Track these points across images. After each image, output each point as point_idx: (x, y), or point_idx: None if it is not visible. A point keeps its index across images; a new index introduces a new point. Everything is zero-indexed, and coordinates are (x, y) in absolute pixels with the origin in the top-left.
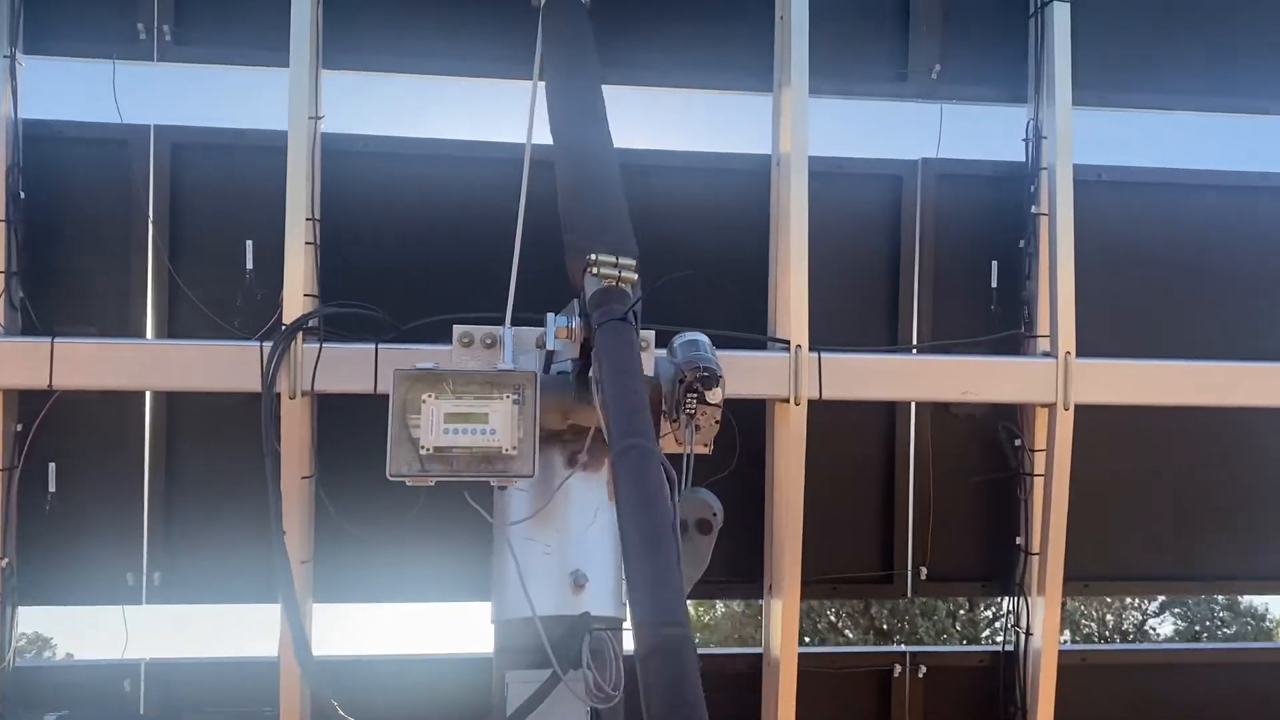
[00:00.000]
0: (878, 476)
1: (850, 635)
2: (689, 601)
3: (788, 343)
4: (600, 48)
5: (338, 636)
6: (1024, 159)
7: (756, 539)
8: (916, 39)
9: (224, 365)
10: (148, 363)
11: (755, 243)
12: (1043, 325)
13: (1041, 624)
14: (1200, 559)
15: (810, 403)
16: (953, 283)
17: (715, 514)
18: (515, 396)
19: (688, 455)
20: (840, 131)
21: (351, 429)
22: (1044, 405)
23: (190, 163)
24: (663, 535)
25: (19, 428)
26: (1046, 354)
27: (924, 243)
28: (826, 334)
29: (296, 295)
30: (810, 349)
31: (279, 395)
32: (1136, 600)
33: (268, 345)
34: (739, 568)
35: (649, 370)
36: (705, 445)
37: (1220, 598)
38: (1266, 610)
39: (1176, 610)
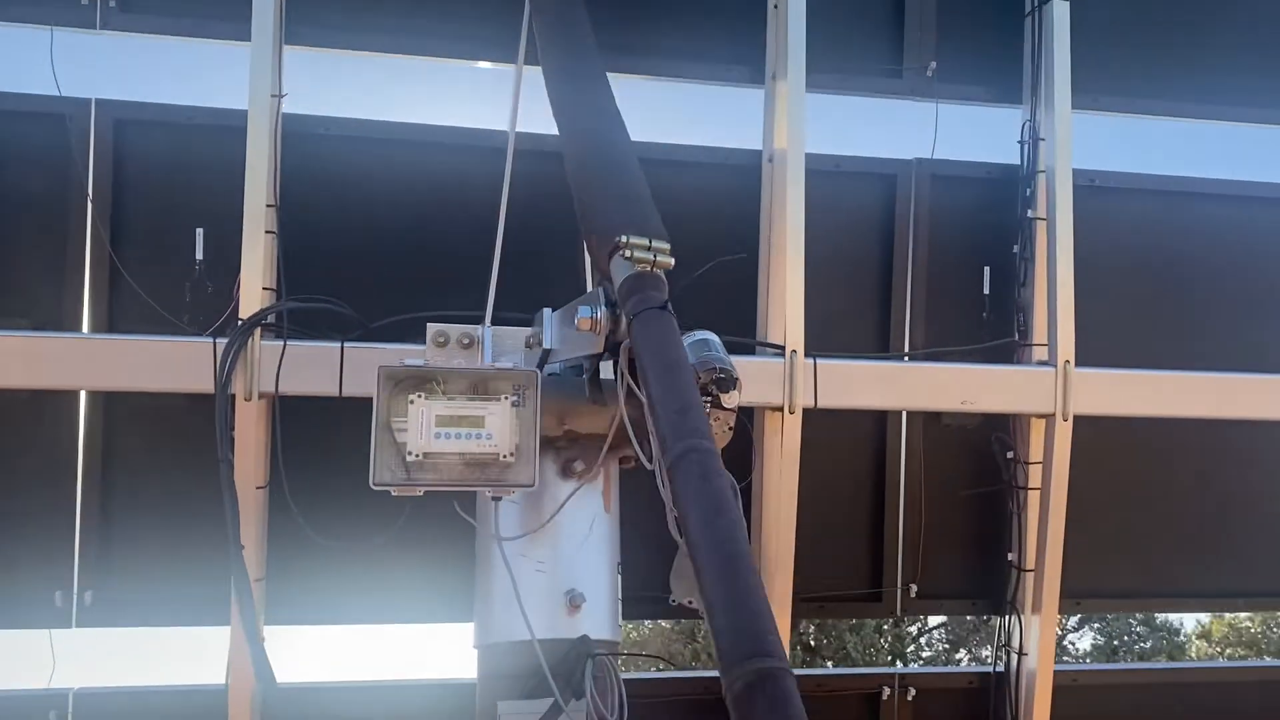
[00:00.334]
0: (867, 489)
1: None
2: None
3: (781, 347)
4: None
5: (295, 662)
6: (1019, 161)
7: None
8: (911, 34)
9: (171, 363)
10: (84, 359)
11: (740, 240)
12: (1039, 333)
13: (1036, 644)
14: (1193, 576)
15: (804, 412)
16: (945, 288)
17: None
18: (514, 398)
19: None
20: (830, 128)
21: (312, 435)
22: (1041, 416)
23: (135, 141)
24: (740, 551)
25: None
26: (1043, 363)
27: (917, 246)
28: (814, 339)
29: (255, 288)
30: (805, 354)
31: (233, 397)
32: (1061, 616)
33: (221, 342)
34: None
35: None
36: None
37: (1138, 614)
38: (1181, 625)
39: (1095, 625)
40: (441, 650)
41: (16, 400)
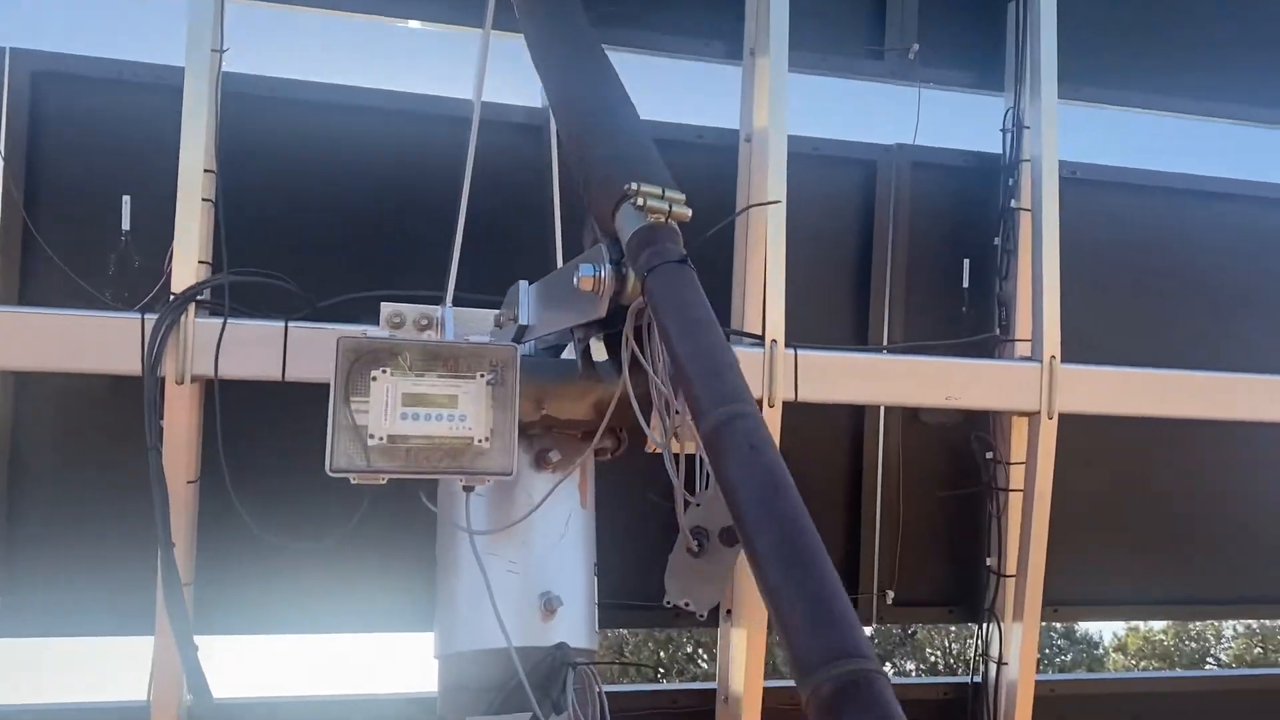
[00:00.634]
0: (842, 489)
1: (705, 665)
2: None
3: (759, 337)
4: None
5: (231, 675)
6: (999, 150)
7: None
8: (893, 14)
9: (92, 341)
10: None
11: (712, 224)
12: (1021, 328)
13: (1018, 653)
14: (1176, 582)
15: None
16: (924, 281)
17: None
18: (491, 376)
19: (700, 456)
20: (805, 109)
21: (251, 423)
22: (1025, 414)
23: (55, 96)
24: (808, 534)
25: None
26: (1026, 359)
27: (897, 235)
28: (789, 330)
29: (189, 260)
30: (785, 345)
31: (163, 380)
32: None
33: (151, 318)
34: None
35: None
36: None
37: (1058, 625)
38: (1101, 638)
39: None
40: (399, 662)
41: None
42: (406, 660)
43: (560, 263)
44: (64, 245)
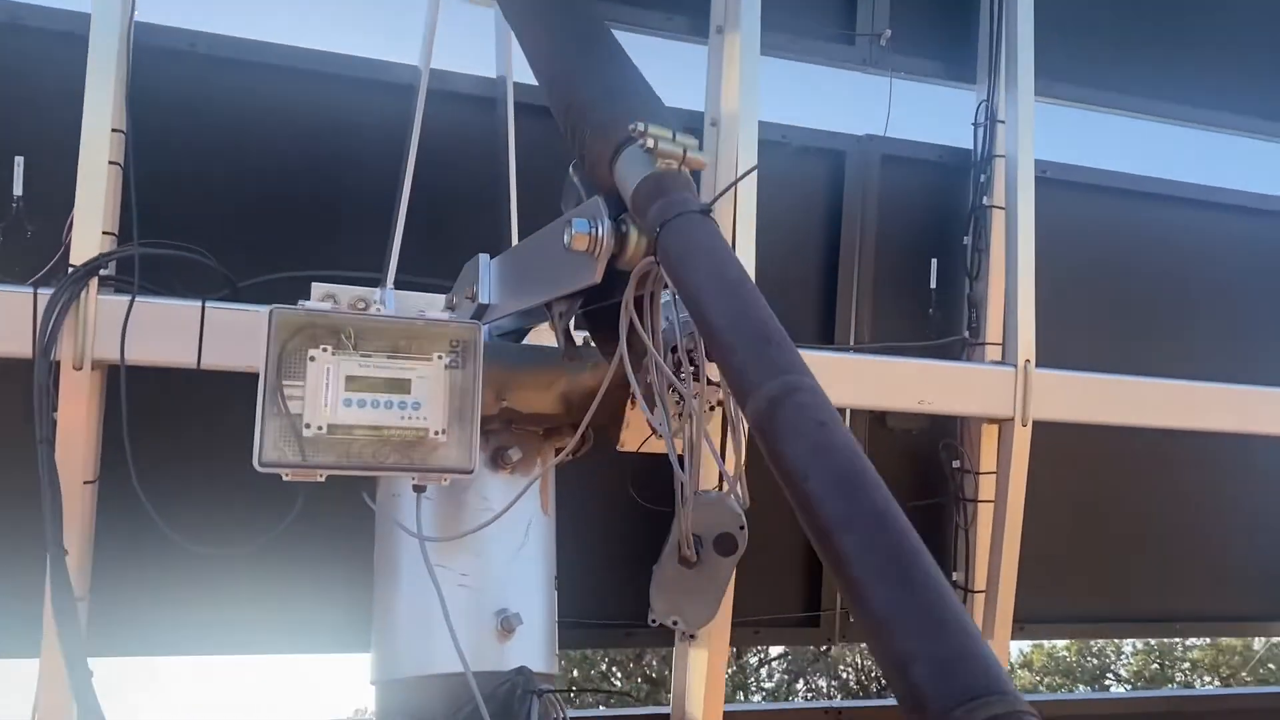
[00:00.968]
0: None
1: (618, 682)
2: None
3: None
4: None
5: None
6: (970, 145)
7: None
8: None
9: None
10: None
11: None
12: (992, 331)
13: None
14: (1151, 599)
15: None
16: (891, 280)
17: (743, 526)
18: (450, 358)
19: (691, 453)
20: (769, 94)
21: (159, 416)
22: (997, 420)
23: None
24: (910, 537)
25: None
26: (997, 363)
27: (865, 231)
28: None
29: (92, 230)
30: None
31: (57, 364)
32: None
33: (45, 294)
34: (642, 610)
35: None
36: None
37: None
38: (1011, 654)
39: None
40: (331, 688)
41: None
42: (340, 686)
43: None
44: None
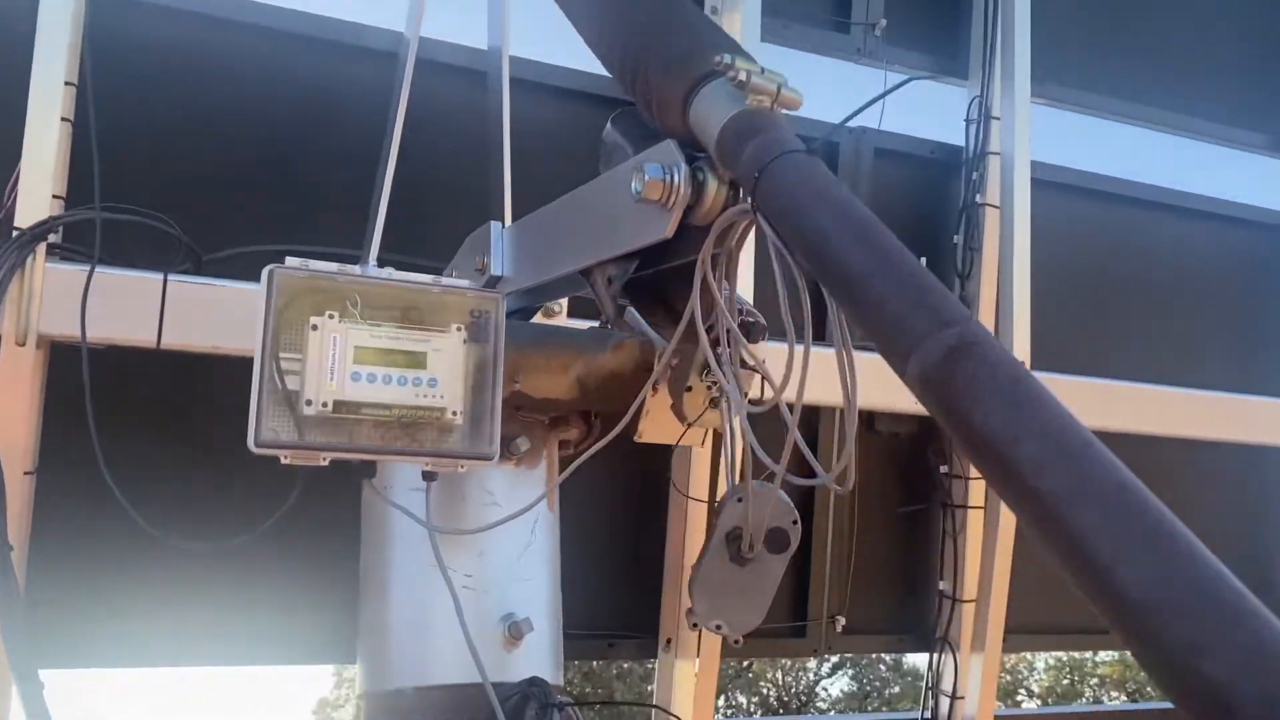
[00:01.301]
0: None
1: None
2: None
3: None
4: None
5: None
6: (961, 142)
7: (648, 580)
8: None
9: None
10: None
11: None
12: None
13: (978, 686)
14: None
15: None
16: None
17: (796, 521)
18: (470, 330)
19: (728, 442)
20: None
21: (113, 400)
22: None
23: None
24: (1165, 514)
25: None
26: None
27: None
28: None
29: (40, 191)
30: None
31: None
32: (813, 662)
33: None
34: (629, 619)
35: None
36: (720, 427)
37: (887, 658)
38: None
39: (849, 671)
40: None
41: None
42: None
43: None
44: None
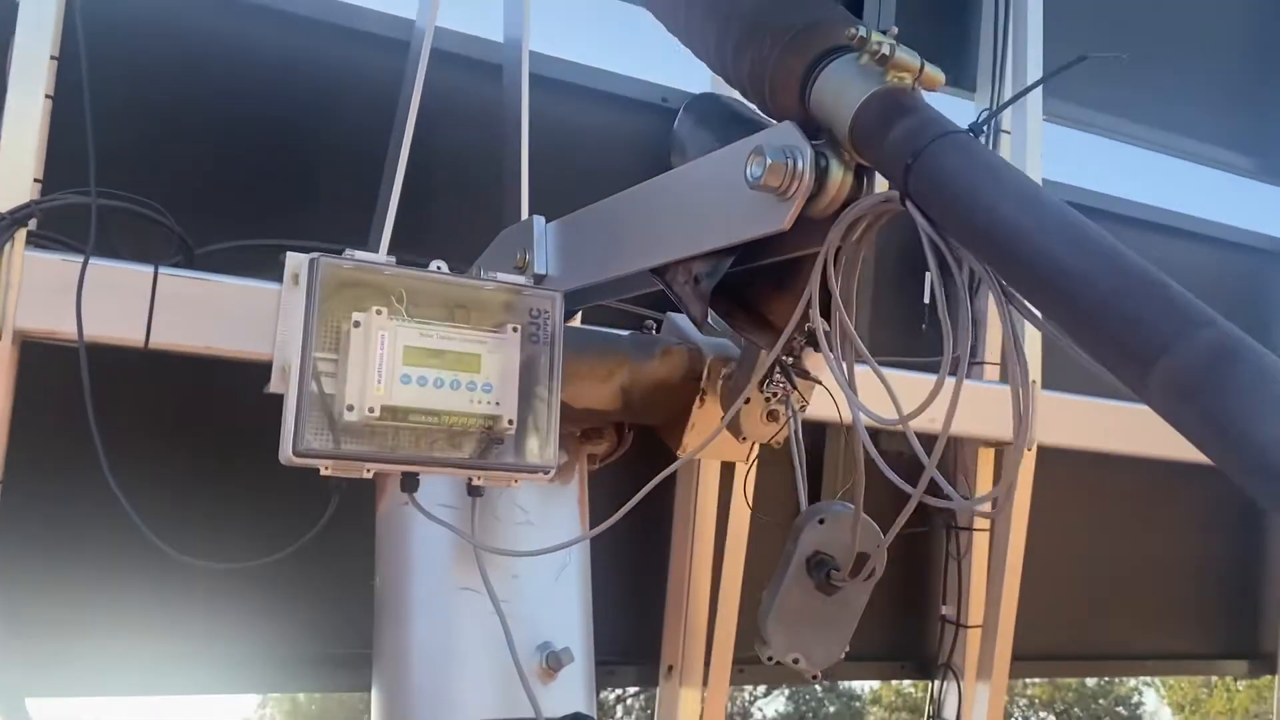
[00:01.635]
0: (788, 525)
1: None
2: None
3: None
4: None
5: None
6: None
7: (648, 603)
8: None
9: None
10: None
11: None
12: (992, 350)
13: (985, 716)
14: (1149, 637)
15: None
16: (883, 295)
17: (879, 545)
18: (534, 330)
19: (799, 460)
20: None
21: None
22: (1000, 444)
23: None
24: None
25: None
26: (995, 383)
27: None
28: None
29: (21, 173)
30: None
31: None
32: (749, 685)
33: None
34: (628, 644)
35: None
36: (776, 441)
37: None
38: (863, 691)
39: (784, 693)
40: None
41: None
42: None
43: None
44: None
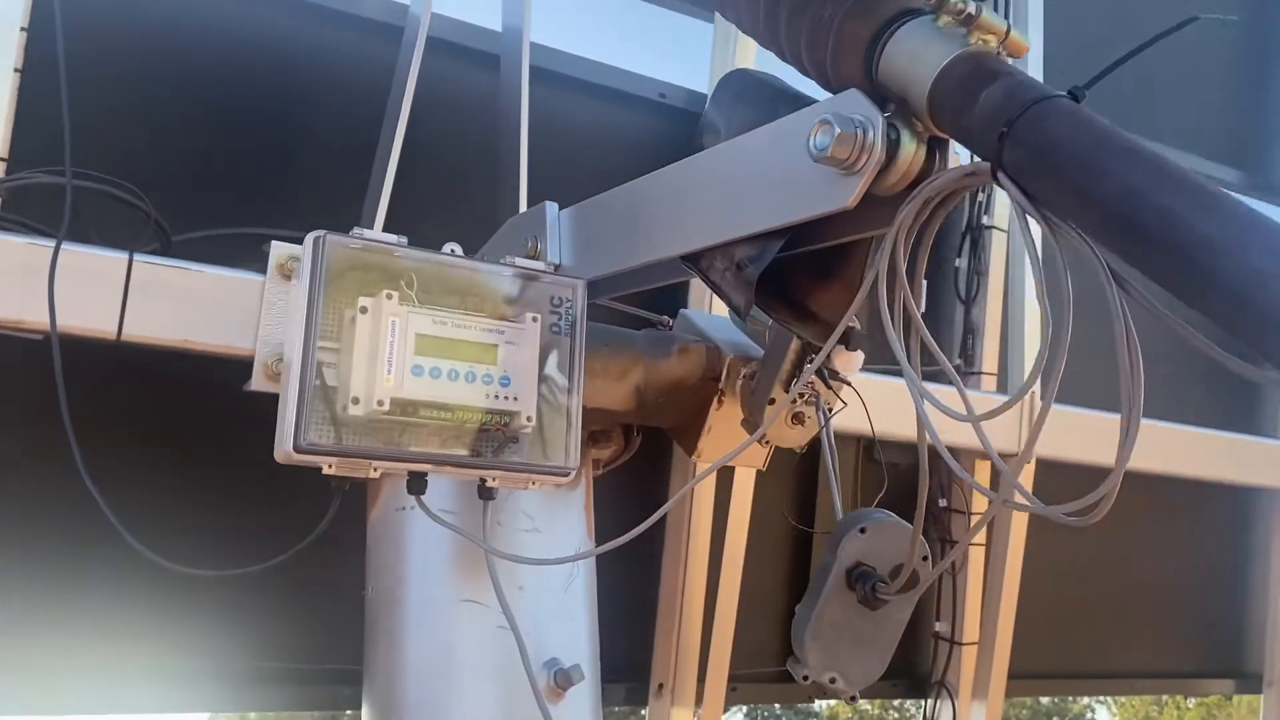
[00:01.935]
0: (783, 542)
1: None
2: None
3: None
4: None
5: None
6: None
7: (638, 618)
8: None
9: None
10: None
11: None
12: (988, 360)
13: None
14: (1137, 656)
15: None
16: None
17: (926, 557)
18: (555, 320)
19: (832, 464)
20: None
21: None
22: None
23: None
24: None
25: None
26: (992, 394)
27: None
28: None
29: None
30: None
31: None
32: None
33: None
34: (617, 661)
35: (699, 325)
36: (800, 446)
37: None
38: (821, 708)
39: (741, 708)
40: None
41: None
42: None
43: (521, 205)
44: None
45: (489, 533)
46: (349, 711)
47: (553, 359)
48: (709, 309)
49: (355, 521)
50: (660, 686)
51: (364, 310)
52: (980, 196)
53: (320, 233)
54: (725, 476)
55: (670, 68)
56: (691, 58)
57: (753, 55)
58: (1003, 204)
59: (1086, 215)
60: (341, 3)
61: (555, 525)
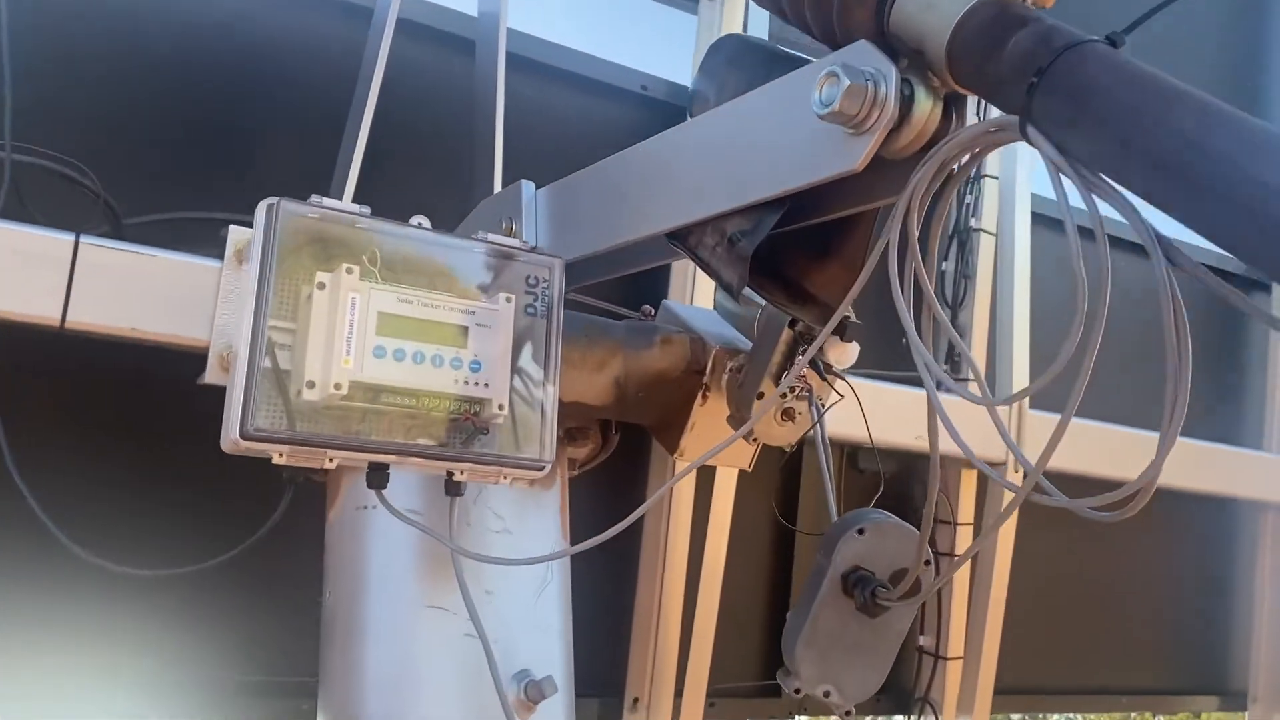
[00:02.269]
0: (765, 550)
1: None
2: None
3: None
4: None
5: None
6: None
7: (612, 630)
8: None
9: None
10: None
11: None
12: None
13: None
14: (1130, 672)
15: None
16: (862, 307)
17: (929, 561)
18: (531, 300)
19: (826, 461)
20: None
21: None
22: (982, 465)
23: None
24: None
25: None
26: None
27: None
28: None
29: None
30: None
31: None
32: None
33: None
34: (590, 675)
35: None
36: (789, 444)
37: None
38: None
39: None
40: None
41: None
42: None
43: (497, 187)
44: None
45: (456, 532)
46: None
47: (527, 344)
48: (691, 302)
49: (315, 522)
50: (635, 701)
51: (321, 286)
52: (968, 199)
53: (274, 200)
54: (706, 479)
55: (653, 59)
56: (675, 49)
57: None
58: (990, 207)
59: (1130, 167)
60: None
61: (528, 526)
